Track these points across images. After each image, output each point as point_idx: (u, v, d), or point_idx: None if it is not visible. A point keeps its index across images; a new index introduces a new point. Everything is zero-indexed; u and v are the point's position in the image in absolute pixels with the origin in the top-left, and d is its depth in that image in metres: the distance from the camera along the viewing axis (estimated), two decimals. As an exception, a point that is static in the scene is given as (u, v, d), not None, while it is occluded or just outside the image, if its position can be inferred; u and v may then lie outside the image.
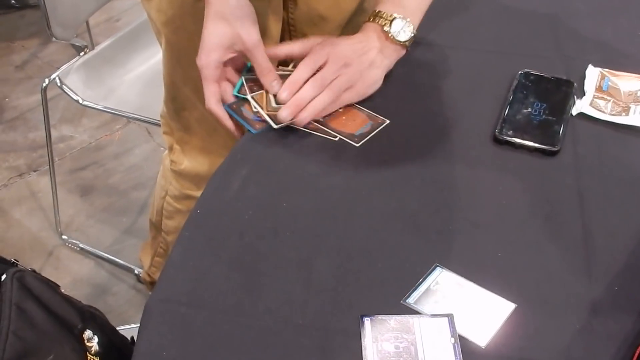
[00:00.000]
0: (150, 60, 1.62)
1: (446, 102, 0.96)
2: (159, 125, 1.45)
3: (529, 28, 1.10)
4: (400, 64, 1.01)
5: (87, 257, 1.84)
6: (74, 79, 1.55)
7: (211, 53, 0.90)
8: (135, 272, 1.76)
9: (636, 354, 0.62)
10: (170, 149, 1.27)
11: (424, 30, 1.08)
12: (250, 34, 0.90)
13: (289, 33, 1.11)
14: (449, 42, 1.07)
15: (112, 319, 0.92)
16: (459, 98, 0.97)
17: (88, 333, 0.79)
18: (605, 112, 0.92)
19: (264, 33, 1.05)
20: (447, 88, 0.99)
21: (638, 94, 0.95)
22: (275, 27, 1.06)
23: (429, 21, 1.10)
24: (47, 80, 1.57)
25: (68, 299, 0.82)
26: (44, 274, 0.87)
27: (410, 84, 0.99)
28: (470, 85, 0.99)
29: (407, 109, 0.95)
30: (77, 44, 1.57)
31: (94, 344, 0.79)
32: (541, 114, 0.92)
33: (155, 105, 1.49)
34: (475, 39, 1.08)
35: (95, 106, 1.53)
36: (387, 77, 0.98)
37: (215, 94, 0.92)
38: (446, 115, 0.94)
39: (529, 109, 0.92)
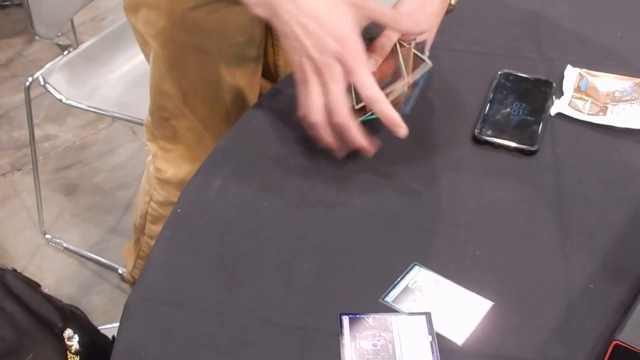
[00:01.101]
0: (135, 59, 1.62)
1: (427, 102, 0.97)
2: (140, 123, 1.45)
3: (510, 29, 1.11)
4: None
5: (71, 256, 1.84)
6: (58, 78, 1.55)
7: (352, 35, 0.79)
8: (119, 271, 1.76)
9: (609, 351, 0.63)
10: (155, 156, 1.26)
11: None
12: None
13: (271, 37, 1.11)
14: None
15: (96, 318, 0.92)
16: (439, 98, 0.98)
17: (68, 332, 0.79)
18: (583, 112, 0.93)
19: (250, 39, 1.05)
20: (427, 88, 0.99)
21: (616, 95, 0.96)
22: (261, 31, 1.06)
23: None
24: (30, 79, 1.56)
25: (49, 298, 0.82)
26: (27, 274, 0.87)
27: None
28: (450, 85, 1.00)
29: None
30: (61, 42, 1.57)
31: (74, 342, 0.79)
32: (520, 114, 0.93)
33: (140, 104, 1.49)
34: (457, 39, 1.09)
35: (79, 105, 1.53)
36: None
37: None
38: (426, 115, 0.95)
39: (508, 109, 0.93)
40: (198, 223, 0.80)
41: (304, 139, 0.90)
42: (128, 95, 1.54)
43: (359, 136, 0.81)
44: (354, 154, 0.87)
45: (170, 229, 0.80)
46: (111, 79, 1.61)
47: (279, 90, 0.99)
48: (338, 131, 0.81)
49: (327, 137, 0.82)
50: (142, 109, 1.46)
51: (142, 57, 1.52)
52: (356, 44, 0.78)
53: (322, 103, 0.79)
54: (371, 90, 0.78)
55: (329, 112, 0.79)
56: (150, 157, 1.29)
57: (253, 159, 0.88)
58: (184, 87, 1.05)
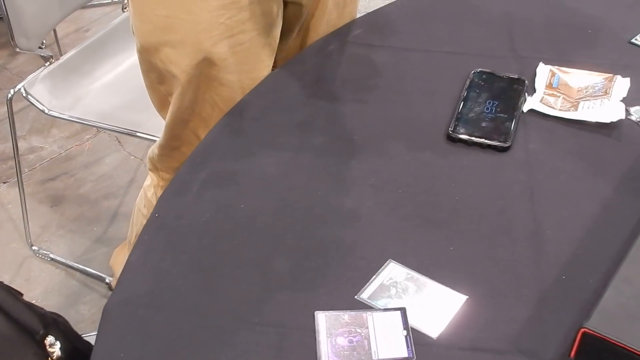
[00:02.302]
0: (118, 68, 1.62)
1: (402, 102, 0.98)
2: (128, 134, 1.46)
3: (483, 29, 1.13)
4: (358, 66, 1.03)
5: (58, 267, 1.84)
6: (40, 89, 1.55)
7: None
8: (107, 280, 1.76)
9: (577, 338, 0.64)
10: (156, 185, 1.26)
11: (380, 33, 1.11)
12: None
13: None
14: (406, 45, 1.09)
15: (85, 327, 0.93)
16: (414, 98, 0.99)
17: (50, 339, 0.80)
18: (555, 108, 0.95)
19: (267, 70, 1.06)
20: (404, 89, 1.01)
21: (587, 90, 0.97)
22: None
23: (385, 25, 1.12)
24: (12, 91, 1.57)
25: (30, 306, 0.83)
26: (14, 286, 0.88)
27: (367, 86, 1.01)
28: (425, 85, 1.01)
29: (365, 110, 0.97)
30: (42, 54, 1.57)
31: (56, 349, 0.80)
32: (493, 111, 0.94)
33: (123, 114, 1.50)
34: (431, 40, 1.10)
35: (62, 116, 1.53)
36: (345, 79, 1.00)
37: None
38: (402, 115, 0.96)
39: (482, 107, 0.95)
40: (176, 226, 0.81)
41: (280, 142, 0.91)
42: (112, 105, 1.54)
43: None
44: (332, 155, 0.88)
45: (149, 233, 0.80)
46: (94, 89, 1.61)
47: (260, 96, 1.01)
48: None
49: None
50: (125, 117, 1.47)
51: (125, 65, 1.53)
52: None
53: None
54: None
55: None
56: (149, 182, 1.29)
57: (230, 162, 0.89)
58: (203, 116, 1.07)
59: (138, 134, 1.42)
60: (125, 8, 1.68)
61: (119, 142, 2.19)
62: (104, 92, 1.60)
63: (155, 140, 1.39)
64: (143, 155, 2.12)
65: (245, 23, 1.02)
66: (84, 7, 1.67)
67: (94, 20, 2.72)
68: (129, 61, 1.62)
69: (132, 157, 2.12)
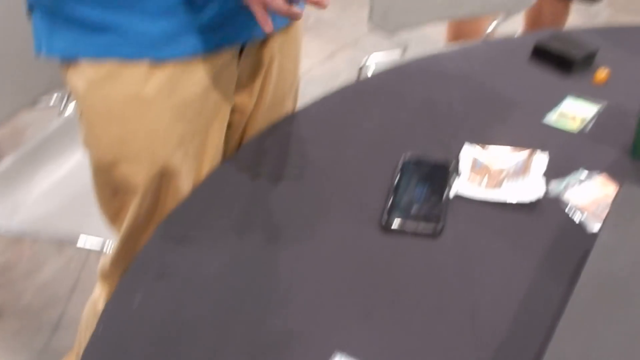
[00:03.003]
0: (56, 173, 1.63)
1: (337, 192, 1.02)
2: (68, 242, 1.45)
3: (409, 115, 1.19)
4: (293, 165, 1.07)
5: (2, 382, 1.79)
6: (-25, 201, 1.55)
7: None
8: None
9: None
10: (107, 297, 1.26)
11: (313, 127, 1.16)
12: None
13: None
14: (337, 137, 1.14)
15: None
16: (348, 188, 1.03)
17: None
18: (480, 188, 1.00)
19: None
20: (337, 179, 1.05)
21: (509, 169, 1.03)
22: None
23: (318, 118, 1.17)
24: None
25: None
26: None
27: (303, 178, 1.05)
28: (358, 174, 1.06)
29: (301, 202, 1.00)
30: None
31: None
32: (423, 197, 0.99)
33: (63, 221, 1.50)
34: (361, 130, 1.15)
35: (-1, 229, 1.52)
36: (282, 173, 1.04)
37: None
38: (337, 205, 1.00)
39: (412, 194, 0.99)
40: (121, 337, 0.82)
41: (220, 242, 0.93)
42: (51, 212, 1.54)
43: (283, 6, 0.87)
44: (271, 254, 0.90)
45: (93, 347, 0.81)
46: (32, 197, 1.61)
47: (200, 196, 1.03)
48: None
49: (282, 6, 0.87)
50: (65, 224, 1.47)
51: (63, 171, 1.53)
52: None
53: None
54: None
55: None
56: (98, 293, 1.28)
57: (173, 266, 0.91)
58: (156, 220, 1.10)
59: (79, 242, 1.42)
60: (61, 114, 1.70)
61: (58, 248, 2.17)
62: (43, 200, 1.60)
63: (93, 249, 1.40)
64: (84, 261, 2.10)
65: (196, 130, 1.06)
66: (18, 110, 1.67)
67: (29, 124, 2.72)
68: (68, 165, 1.63)
69: (73, 263, 2.10)
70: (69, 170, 1.65)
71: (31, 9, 1.03)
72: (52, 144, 1.69)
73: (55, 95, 1.83)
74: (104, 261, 1.22)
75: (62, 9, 0.96)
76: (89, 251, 2.08)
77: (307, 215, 0.98)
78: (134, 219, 1.10)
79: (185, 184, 1.08)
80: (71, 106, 1.74)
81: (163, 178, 1.06)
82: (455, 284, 0.87)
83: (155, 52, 0.98)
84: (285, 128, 1.17)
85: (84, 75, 1.00)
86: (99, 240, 1.40)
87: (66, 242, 1.43)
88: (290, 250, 0.92)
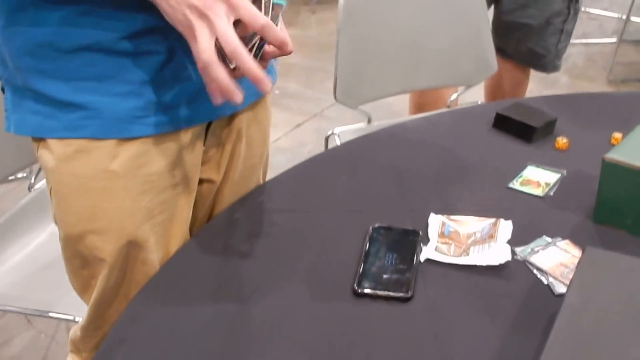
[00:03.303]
0: (27, 248, 1.63)
1: (308, 261, 1.04)
2: (40, 315, 1.45)
3: (377, 185, 1.22)
4: (264, 230, 1.09)
5: None
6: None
7: None
8: None
9: None
10: None
11: (283, 198, 1.18)
12: None
13: None
14: (307, 207, 1.17)
15: None
16: (320, 258, 1.05)
17: None
18: (448, 254, 1.03)
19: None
20: (309, 248, 1.07)
21: (475, 236, 1.06)
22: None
23: (287, 189, 1.20)
24: None
25: None
26: None
27: (275, 248, 1.07)
28: (328, 243, 1.08)
29: (273, 271, 1.02)
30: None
31: None
32: (393, 264, 1.01)
33: (34, 294, 1.49)
34: (330, 200, 1.18)
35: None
36: (253, 243, 1.06)
37: None
38: (308, 273, 1.02)
39: (382, 261, 1.02)
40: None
41: (195, 311, 0.94)
42: (21, 285, 1.54)
43: (254, 66, 0.84)
44: (245, 328, 0.92)
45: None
46: (2, 272, 1.60)
47: (174, 269, 1.05)
48: (234, 61, 0.85)
49: (222, 78, 0.85)
50: (35, 297, 1.47)
51: (34, 245, 1.54)
52: None
53: (211, 42, 0.83)
54: (262, 17, 0.85)
55: (220, 46, 0.84)
56: None
57: (148, 337, 0.91)
58: (128, 295, 1.11)
59: (50, 314, 1.42)
60: (31, 188, 1.71)
61: (28, 320, 2.15)
62: (13, 274, 1.60)
63: (68, 320, 1.40)
64: (54, 333, 2.08)
65: (163, 204, 1.08)
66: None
67: (0, 198, 2.72)
68: (39, 240, 1.63)
69: (43, 335, 2.08)
70: (40, 244, 1.65)
71: (3, 87, 1.05)
72: (24, 218, 1.69)
73: (26, 170, 1.85)
74: (74, 331, 1.22)
75: (31, 87, 0.99)
76: (59, 323, 2.06)
77: (281, 282, 1.00)
78: (103, 289, 1.11)
79: (153, 256, 1.10)
80: (41, 180, 1.75)
81: (131, 250, 1.07)
82: (427, 347, 0.89)
83: (122, 130, 1.01)
84: (256, 198, 1.20)
85: (53, 152, 1.02)
86: (70, 311, 1.40)
87: (36, 314, 1.42)
88: (264, 315, 0.94)
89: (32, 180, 1.71)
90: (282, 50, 0.90)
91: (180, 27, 0.87)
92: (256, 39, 0.89)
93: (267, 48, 0.93)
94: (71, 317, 1.38)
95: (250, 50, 0.89)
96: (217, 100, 0.89)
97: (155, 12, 0.89)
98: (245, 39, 0.88)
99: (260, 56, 0.92)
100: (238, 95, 0.87)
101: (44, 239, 1.63)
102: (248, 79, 0.86)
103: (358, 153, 1.33)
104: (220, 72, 0.85)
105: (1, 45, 1.00)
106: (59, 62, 0.97)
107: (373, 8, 1.91)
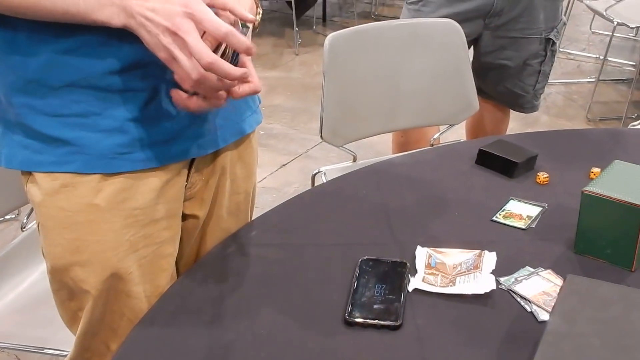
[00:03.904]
0: (19, 287, 1.64)
1: (299, 293, 1.07)
2: (35, 352, 1.46)
3: (365, 220, 1.26)
4: (255, 265, 1.12)
5: None
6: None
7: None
8: None
9: None
10: None
11: (273, 233, 1.22)
12: None
13: None
14: (297, 241, 1.20)
15: None
16: (311, 289, 1.08)
17: None
18: (435, 285, 1.07)
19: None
20: (300, 281, 1.10)
21: (461, 267, 1.10)
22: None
23: (277, 224, 1.24)
24: None
25: None
26: None
27: (266, 281, 1.10)
28: (319, 276, 1.11)
29: (266, 303, 1.05)
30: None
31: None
32: (383, 294, 1.05)
33: (27, 331, 1.50)
34: (319, 234, 1.22)
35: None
36: (245, 278, 1.09)
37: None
38: (300, 305, 1.05)
39: (372, 291, 1.05)
40: None
41: (190, 344, 0.97)
42: (15, 323, 1.55)
43: (232, 69, 0.91)
44: (237, 349, 0.94)
45: None
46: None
47: (167, 303, 1.07)
48: (213, 72, 0.91)
49: (229, 68, 0.91)
50: (30, 335, 1.48)
51: (26, 285, 1.56)
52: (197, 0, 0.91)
53: (191, 59, 0.90)
54: (224, 26, 0.90)
55: (196, 60, 0.89)
56: None
57: (146, 368, 0.94)
58: (113, 327, 1.13)
59: (45, 350, 1.43)
60: (24, 228, 1.73)
61: (18, 358, 2.15)
62: (6, 311, 1.61)
63: (62, 355, 1.41)
64: (43, 371, 2.08)
65: (147, 238, 1.11)
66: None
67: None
68: (31, 279, 1.65)
69: (32, 375, 2.08)
70: (32, 283, 1.66)
71: None
72: (16, 257, 1.71)
73: (14, 212, 1.86)
74: None
75: (22, 122, 1.03)
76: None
77: (273, 315, 1.03)
78: (89, 320, 1.14)
79: (138, 288, 1.12)
80: (33, 220, 1.77)
81: (114, 282, 1.10)
82: (417, 374, 0.92)
83: (106, 166, 1.05)
84: (247, 233, 1.23)
85: (40, 186, 1.06)
86: (65, 347, 1.41)
87: (32, 351, 1.44)
88: (258, 345, 0.97)
89: (25, 220, 1.73)
90: (248, 54, 0.95)
91: (160, 52, 0.92)
92: (228, 51, 0.95)
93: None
94: (66, 353, 1.40)
95: (225, 56, 0.94)
96: (221, 102, 0.97)
97: (138, 43, 0.94)
98: (217, 51, 0.94)
99: (237, 61, 0.97)
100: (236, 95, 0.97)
101: (36, 277, 1.65)
102: (230, 81, 0.93)
103: (345, 189, 1.37)
104: (225, 65, 0.91)
105: None
106: (47, 99, 1.01)
107: (357, 50, 1.97)
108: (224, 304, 1.05)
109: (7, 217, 2.77)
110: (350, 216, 1.28)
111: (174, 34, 0.90)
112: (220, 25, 0.90)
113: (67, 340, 1.41)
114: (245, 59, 0.99)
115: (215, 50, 0.92)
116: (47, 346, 1.44)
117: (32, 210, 1.73)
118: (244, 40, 0.92)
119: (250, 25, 1.00)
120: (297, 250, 1.18)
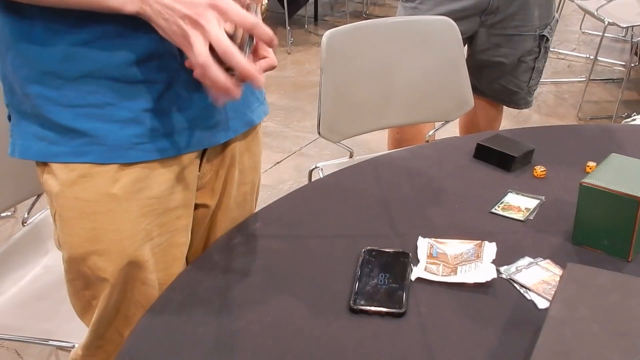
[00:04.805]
0: (21, 282, 1.66)
1: (304, 283, 1.09)
2: (40, 344, 1.47)
3: (367, 212, 1.28)
4: (260, 255, 1.14)
5: None
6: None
7: None
8: None
9: None
10: None
11: (277, 225, 1.24)
12: None
13: None
14: (301, 232, 1.22)
15: None
16: (316, 279, 1.11)
17: None
18: (437, 274, 1.09)
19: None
20: (304, 272, 1.12)
21: (462, 257, 1.13)
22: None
23: (280, 216, 1.26)
24: None
25: None
26: None
27: (271, 271, 1.12)
28: (323, 266, 1.13)
29: (272, 293, 1.07)
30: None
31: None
32: (386, 282, 1.07)
33: (31, 324, 1.52)
34: (323, 227, 1.24)
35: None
36: (251, 268, 1.11)
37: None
38: (306, 294, 1.07)
39: (376, 280, 1.07)
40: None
41: (200, 332, 0.99)
42: (18, 317, 1.56)
43: (246, 64, 0.92)
44: (240, 346, 0.96)
45: None
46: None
47: (177, 292, 1.09)
48: (226, 62, 0.91)
49: (219, 77, 0.92)
50: (35, 328, 1.49)
51: (27, 279, 1.57)
52: None
53: (206, 46, 0.90)
54: (251, 17, 0.92)
55: (213, 48, 0.90)
56: None
57: (158, 354, 0.96)
58: (127, 315, 1.16)
59: (50, 342, 1.44)
60: (25, 222, 1.74)
61: (18, 354, 2.16)
62: (8, 306, 1.62)
63: (66, 346, 1.43)
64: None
65: (162, 227, 1.13)
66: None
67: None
68: (33, 273, 1.66)
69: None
70: (34, 278, 1.68)
71: (9, 115, 1.11)
72: (16, 254, 1.72)
73: (11, 209, 1.87)
74: (75, 351, 1.26)
75: (38, 113, 1.05)
76: (49, 355, 2.07)
77: (279, 303, 1.05)
78: (104, 308, 1.15)
79: (152, 276, 1.14)
80: (34, 215, 1.78)
81: (131, 270, 1.12)
82: (421, 359, 0.94)
83: (123, 156, 1.07)
84: (252, 224, 1.25)
85: (57, 177, 1.08)
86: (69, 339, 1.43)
87: (36, 343, 1.45)
88: (266, 333, 0.99)
89: (26, 215, 1.74)
90: (270, 45, 0.98)
91: (176, 38, 0.94)
92: (245, 37, 0.97)
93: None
94: (69, 345, 1.41)
95: (241, 48, 0.96)
96: (220, 101, 0.97)
97: (153, 34, 0.96)
98: (234, 38, 0.96)
99: (251, 52, 0.99)
100: (237, 92, 0.94)
101: (38, 272, 1.66)
102: (242, 76, 0.94)
103: (345, 183, 1.39)
104: (217, 72, 0.92)
105: (10, 74, 1.06)
106: (63, 90, 1.03)
107: (354, 47, 2.00)
108: (231, 293, 1.07)
109: (3, 214, 2.78)
110: (352, 209, 1.30)
111: (195, 22, 0.91)
112: (247, 16, 0.93)
113: (70, 333, 1.43)
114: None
115: (231, 38, 0.94)
116: (52, 337, 1.45)
117: (32, 205, 1.75)
118: (268, 31, 0.94)
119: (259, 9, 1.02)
120: (300, 242, 1.20)
